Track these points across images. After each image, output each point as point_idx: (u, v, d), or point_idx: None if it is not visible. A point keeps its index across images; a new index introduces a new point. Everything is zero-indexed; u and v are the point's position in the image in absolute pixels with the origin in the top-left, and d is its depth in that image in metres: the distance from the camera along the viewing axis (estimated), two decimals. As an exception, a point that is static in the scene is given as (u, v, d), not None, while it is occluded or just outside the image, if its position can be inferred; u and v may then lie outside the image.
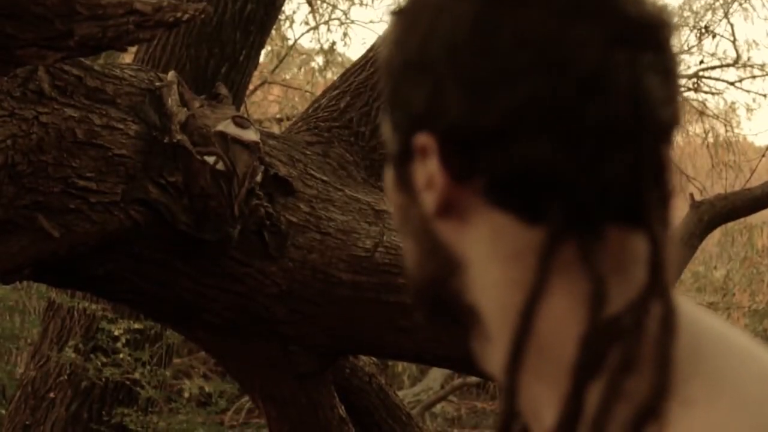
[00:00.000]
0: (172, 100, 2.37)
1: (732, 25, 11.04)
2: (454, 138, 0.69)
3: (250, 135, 2.43)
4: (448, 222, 0.72)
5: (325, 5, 9.54)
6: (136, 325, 4.52)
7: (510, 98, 0.67)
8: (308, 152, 2.80)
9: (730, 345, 0.68)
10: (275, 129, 7.87)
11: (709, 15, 10.42)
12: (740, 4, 10.22)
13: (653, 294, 0.67)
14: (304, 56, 10.51)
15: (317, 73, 10.12)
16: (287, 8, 9.35)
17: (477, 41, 0.68)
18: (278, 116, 9.46)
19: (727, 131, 10.49)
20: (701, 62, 10.23)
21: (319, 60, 10.12)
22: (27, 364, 4.90)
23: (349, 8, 9.66)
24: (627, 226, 0.69)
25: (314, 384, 2.81)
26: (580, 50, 0.67)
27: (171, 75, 2.48)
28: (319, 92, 4.46)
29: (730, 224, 7.53)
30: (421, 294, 0.78)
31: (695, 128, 10.65)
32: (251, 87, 7.81)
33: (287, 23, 9.36)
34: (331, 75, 9.43)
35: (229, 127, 2.40)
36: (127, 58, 5.31)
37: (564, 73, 0.66)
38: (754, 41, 14.43)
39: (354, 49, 16.28)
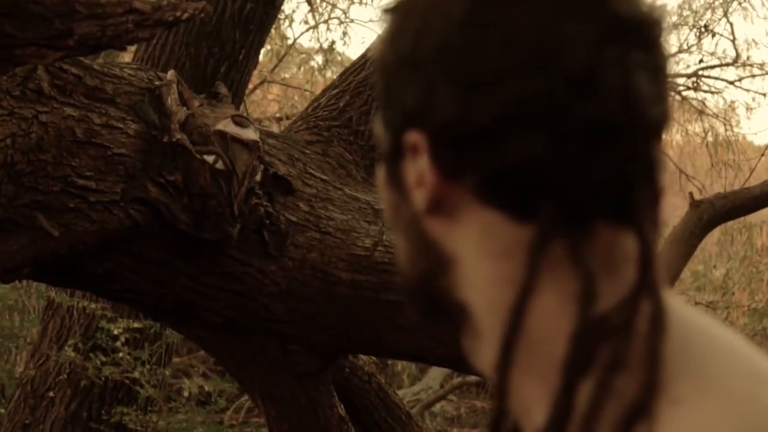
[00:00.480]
0: (171, 99, 2.37)
1: (731, 24, 11.02)
2: (445, 136, 0.70)
3: (250, 134, 2.43)
4: (438, 219, 0.72)
5: (324, 4, 9.54)
6: (136, 324, 4.52)
7: (500, 96, 0.67)
8: (308, 151, 2.80)
9: (719, 343, 0.68)
10: (275, 128, 7.87)
11: (708, 14, 10.42)
12: (740, 3, 10.22)
13: (643, 292, 0.67)
14: (303, 55, 10.51)
15: (317, 72, 10.11)
16: (287, 7, 9.35)
17: (467, 39, 0.69)
18: (278, 115, 9.45)
19: (726, 130, 10.49)
20: (701, 61, 10.24)
21: (319, 59, 10.12)
22: (26, 363, 4.90)
23: (348, 7, 9.65)
24: (617, 224, 0.69)
25: (314, 383, 2.81)
26: (570, 49, 0.67)
27: (170, 74, 2.48)
28: (318, 91, 4.46)
29: (729, 223, 7.53)
30: (414, 291, 0.78)
31: (695, 127, 10.65)
32: (251, 86, 7.81)
33: (287, 22, 9.36)
34: (331, 74, 9.43)
35: (228, 126, 2.40)
36: (127, 57, 5.31)
37: (554, 72, 0.67)
38: (753, 40, 14.42)
39: (353, 48, 16.32)
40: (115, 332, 4.54)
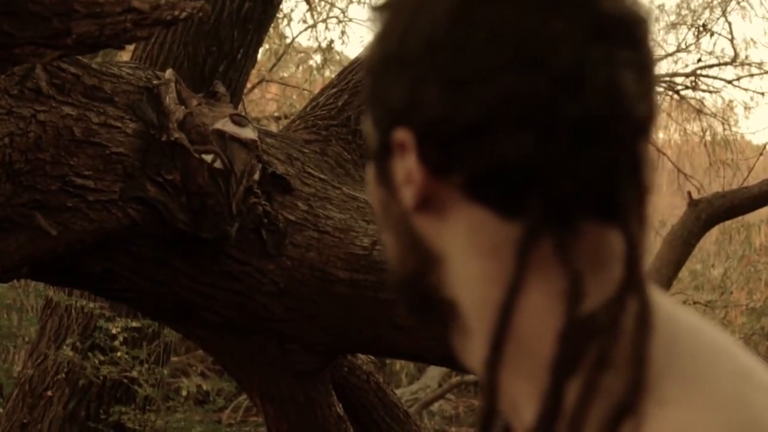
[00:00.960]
0: (169, 98, 2.37)
1: (730, 24, 11.02)
2: (432, 133, 0.70)
3: (248, 133, 2.43)
4: (426, 217, 0.73)
5: (323, 3, 9.54)
6: (134, 324, 4.52)
7: (487, 94, 0.67)
8: (306, 150, 2.80)
9: (706, 342, 0.68)
10: (273, 127, 7.87)
11: (707, 13, 10.42)
12: (738, 3, 10.22)
13: (629, 290, 0.67)
14: (302, 54, 10.51)
15: (315, 72, 10.11)
16: (285, 6, 9.36)
17: (454, 38, 0.69)
18: (276, 114, 9.45)
19: (724, 129, 10.49)
20: (699, 60, 10.23)
21: (317, 58, 10.12)
22: (24, 362, 4.90)
23: (347, 6, 9.65)
24: (603, 222, 0.69)
25: (312, 382, 2.81)
26: (556, 47, 0.67)
27: (169, 73, 2.47)
28: (317, 90, 4.46)
29: (727, 222, 7.54)
30: (404, 288, 0.78)
31: (693, 126, 10.65)
32: (249, 85, 7.81)
33: (285, 21, 9.36)
34: (329, 73, 9.43)
35: (226, 126, 2.40)
36: (125, 56, 5.31)
37: (540, 70, 0.67)
38: (752, 39, 14.42)
39: (352, 48, 16.32)
40: (114, 331, 4.54)
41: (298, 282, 2.52)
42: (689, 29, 10.40)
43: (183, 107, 2.38)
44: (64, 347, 4.52)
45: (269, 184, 2.51)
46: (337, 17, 9.58)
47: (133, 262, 2.37)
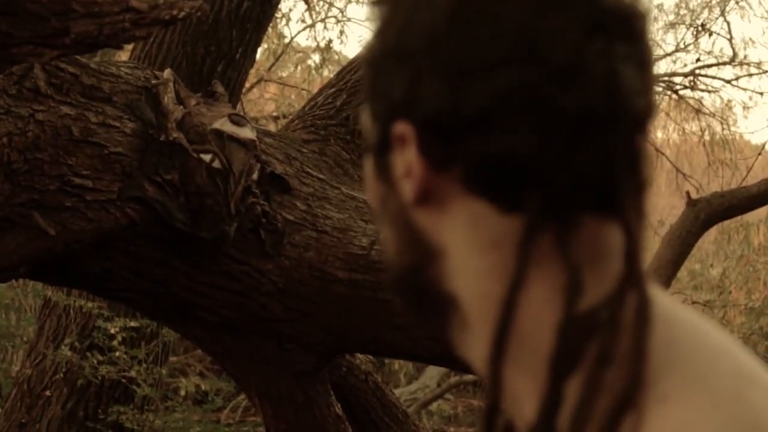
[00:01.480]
0: (168, 98, 2.36)
1: (728, 23, 11.02)
2: (433, 127, 0.70)
3: (247, 133, 2.43)
4: (426, 211, 0.73)
5: (321, 3, 9.54)
6: (132, 323, 4.52)
7: (488, 87, 0.68)
8: (305, 150, 2.80)
9: (705, 338, 0.68)
10: (271, 127, 7.87)
11: (705, 13, 10.43)
12: (737, 2, 10.23)
13: (629, 285, 0.67)
14: (300, 54, 10.51)
15: (313, 71, 10.11)
16: (283, 6, 9.34)
17: (455, 31, 0.69)
18: (274, 114, 9.45)
19: (723, 129, 10.50)
20: (698, 60, 10.24)
21: (316, 58, 10.12)
22: (23, 362, 4.90)
23: (345, 6, 9.67)
24: (602, 216, 0.69)
25: (311, 382, 2.81)
26: (556, 40, 0.67)
27: (167, 73, 2.47)
28: (315, 90, 4.46)
29: (726, 222, 7.54)
30: (401, 283, 0.78)
31: (692, 126, 10.66)
32: (247, 85, 7.81)
33: (283, 21, 9.36)
34: (328, 73, 9.43)
35: (225, 125, 2.40)
36: (123, 56, 5.30)
37: (541, 63, 0.67)
38: (750, 39, 14.41)
39: (350, 47, 16.32)
40: (112, 331, 4.54)
41: (296, 282, 2.52)
42: (688, 29, 10.41)
43: (181, 107, 2.38)
44: (63, 347, 4.51)
45: (268, 184, 2.51)
46: (335, 17, 9.59)
47: (131, 262, 2.37)
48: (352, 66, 3.18)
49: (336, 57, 9.79)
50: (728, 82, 10.35)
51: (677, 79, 10.05)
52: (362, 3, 9.38)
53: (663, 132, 10.77)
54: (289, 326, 2.58)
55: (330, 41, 9.71)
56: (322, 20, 9.57)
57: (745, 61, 10.27)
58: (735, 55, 10.16)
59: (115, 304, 4.39)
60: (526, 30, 0.67)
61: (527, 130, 0.67)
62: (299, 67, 10.75)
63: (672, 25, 10.49)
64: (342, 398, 3.08)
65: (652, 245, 5.61)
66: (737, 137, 10.73)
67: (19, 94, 2.12)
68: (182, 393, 5.57)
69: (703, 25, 10.10)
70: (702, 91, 10.40)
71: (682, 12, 10.66)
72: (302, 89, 9.68)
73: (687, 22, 10.50)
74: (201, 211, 2.32)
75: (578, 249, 0.68)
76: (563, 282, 0.67)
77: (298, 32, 11.16)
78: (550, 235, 0.68)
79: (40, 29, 1.86)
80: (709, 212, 5.36)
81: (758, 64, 10.35)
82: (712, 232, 8.67)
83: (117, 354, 4.54)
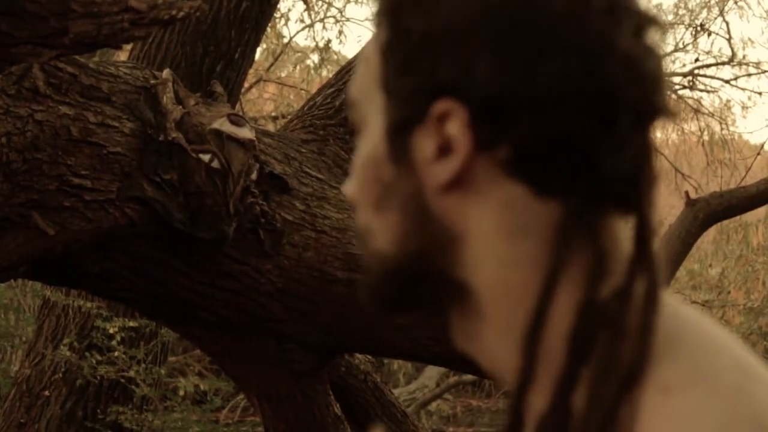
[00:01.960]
0: (167, 98, 2.36)
1: (727, 23, 11.05)
2: (486, 105, 0.69)
3: (246, 133, 2.43)
4: (450, 194, 0.71)
5: (320, 3, 9.54)
6: (131, 323, 4.52)
7: (551, 71, 0.68)
8: (303, 150, 2.80)
9: (707, 335, 0.69)
10: (270, 127, 7.87)
11: (704, 13, 10.44)
12: (735, 2, 10.24)
13: (640, 268, 0.68)
14: (299, 54, 10.51)
15: (312, 71, 10.12)
16: (282, 6, 9.35)
17: (519, 13, 0.69)
18: (273, 114, 9.46)
19: (722, 129, 10.51)
20: (696, 60, 10.26)
21: (315, 58, 10.12)
22: (22, 362, 4.90)
23: (344, 6, 9.68)
24: (624, 205, 0.71)
25: (310, 382, 2.81)
26: (617, 35, 0.69)
27: (166, 73, 2.47)
28: (314, 90, 4.46)
29: (725, 222, 7.55)
30: (395, 273, 0.77)
31: (690, 126, 10.67)
32: (246, 85, 7.81)
33: (282, 21, 9.36)
34: (327, 73, 9.43)
35: (224, 125, 2.40)
36: (122, 55, 5.30)
37: (603, 52, 0.69)
38: (749, 39, 14.44)
39: (349, 47, 16.32)
40: (111, 331, 4.54)
41: (295, 282, 2.52)
42: (687, 29, 10.42)
43: (180, 107, 2.38)
44: (62, 347, 4.51)
45: (267, 184, 2.51)
46: (334, 17, 9.59)
47: (130, 262, 2.37)
48: (351, 66, 3.18)
49: (335, 57, 9.79)
50: (727, 82, 10.36)
51: (676, 79, 10.06)
52: (361, 3, 9.39)
53: (662, 132, 10.77)
54: (289, 326, 2.58)
55: (329, 41, 9.74)
56: (321, 20, 9.58)
57: (744, 61, 10.28)
58: (734, 55, 10.17)
59: (114, 304, 4.39)
60: (592, 20, 0.69)
61: (588, 114, 0.68)
62: (298, 67, 10.75)
63: (671, 25, 10.50)
64: (341, 398, 3.08)
65: (651, 245, 5.60)
66: (736, 137, 10.75)
67: (18, 94, 2.12)
68: (181, 393, 5.57)
69: (701, 25, 10.10)
70: (701, 91, 10.41)
71: (680, 12, 10.68)
72: (301, 89, 9.68)
73: (686, 22, 10.51)
74: (200, 211, 2.32)
75: (605, 236, 0.69)
76: (585, 267, 0.68)
77: (297, 32, 11.17)
78: (585, 222, 0.69)
79: (39, 29, 1.86)
80: (708, 212, 5.36)
81: (757, 64, 10.37)
82: (711, 232, 8.68)
83: (116, 354, 4.55)
